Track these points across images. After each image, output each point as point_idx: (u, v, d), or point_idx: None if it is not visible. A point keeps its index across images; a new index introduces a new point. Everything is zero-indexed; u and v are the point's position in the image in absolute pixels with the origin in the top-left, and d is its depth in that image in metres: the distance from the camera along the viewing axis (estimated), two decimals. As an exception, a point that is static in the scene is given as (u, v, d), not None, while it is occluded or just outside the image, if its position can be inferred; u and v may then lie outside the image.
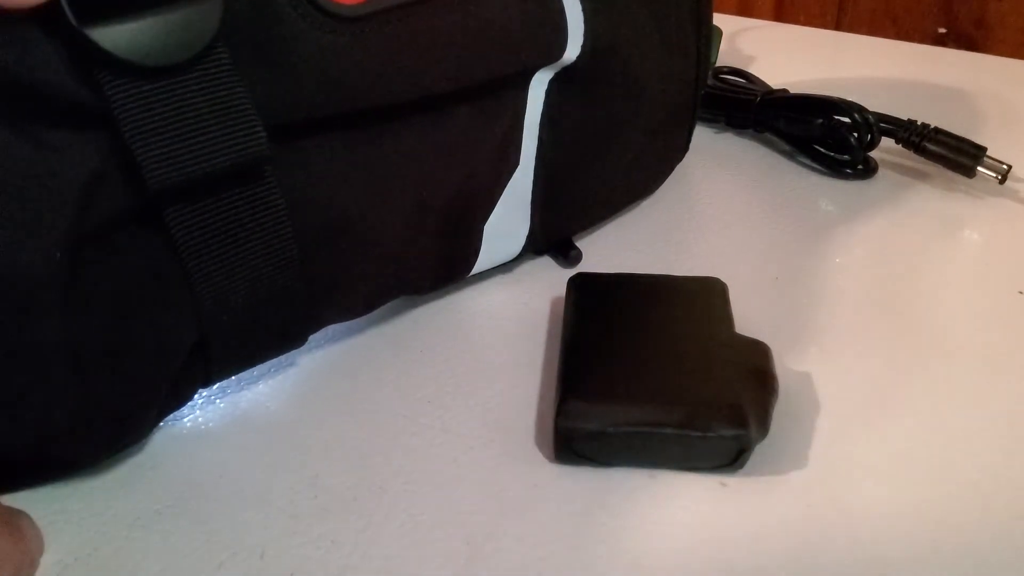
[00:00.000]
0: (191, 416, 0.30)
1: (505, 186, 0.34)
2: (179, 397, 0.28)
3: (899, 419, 0.29)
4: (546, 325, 0.34)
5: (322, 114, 0.26)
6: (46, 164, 0.22)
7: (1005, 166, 0.41)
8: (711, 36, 0.41)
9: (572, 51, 0.32)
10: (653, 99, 0.37)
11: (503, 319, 0.34)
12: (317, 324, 0.30)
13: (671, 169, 0.43)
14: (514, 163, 0.33)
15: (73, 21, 0.21)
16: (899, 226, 0.40)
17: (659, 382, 0.27)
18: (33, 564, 0.24)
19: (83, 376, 0.24)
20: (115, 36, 0.22)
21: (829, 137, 0.44)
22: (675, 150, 0.42)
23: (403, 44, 0.27)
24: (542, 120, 0.33)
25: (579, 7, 0.32)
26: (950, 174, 0.43)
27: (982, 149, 0.42)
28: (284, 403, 0.30)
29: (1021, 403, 0.30)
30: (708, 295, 0.31)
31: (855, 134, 0.43)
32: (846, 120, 0.44)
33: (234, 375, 0.29)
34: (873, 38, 0.66)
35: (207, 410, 0.30)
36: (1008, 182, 0.42)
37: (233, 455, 0.28)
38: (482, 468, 0.27)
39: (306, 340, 0.29)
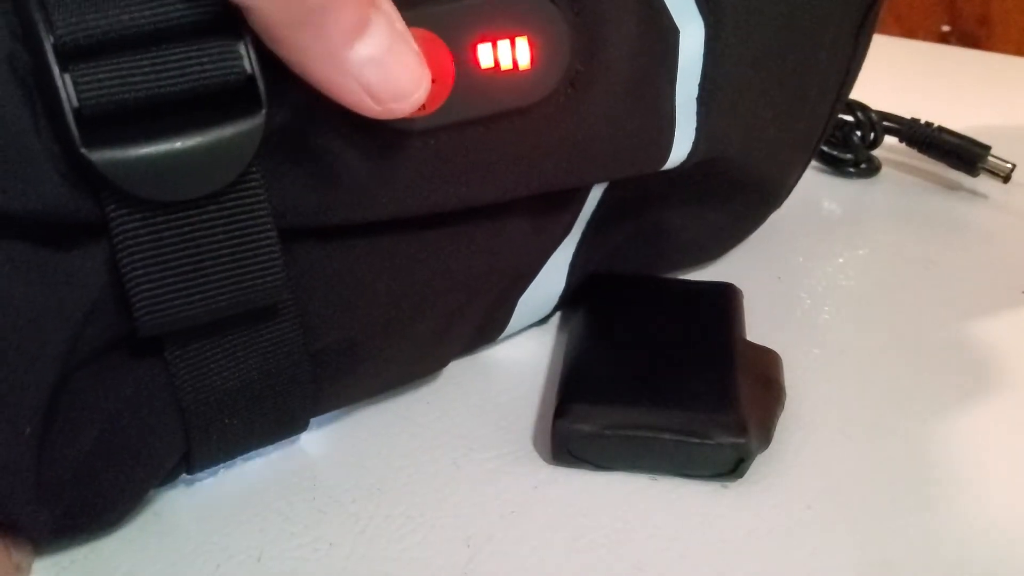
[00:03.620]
0: (189, 417, 0.30)
1: (547, 262, 0.30)
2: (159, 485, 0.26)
3: (899, 420, 0.29)
4: (550, 325, 0.34)
5: (359, 220, 0.23)
6: (43, 306, 0.19)
7: (1009, 165, 0.41)
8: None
9: (669, 164, 0.28)
10: (746, 195, 0.33)
11: (503, 319, 0.34)
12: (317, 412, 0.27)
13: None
14: (560, 240, 0.30)
15: (78, 143, 0.17)
16: (902, 225, 0.40)
17: (662, 387, 0.27)
18: (20, 569, 0.23)
19: (52, 494, 0.22)
20: (125, 166, 0.18)
21: (832, 135, 0.44)
22: (747, 227, 0.36)
23: (469, 159, 0.23)
24: (590, 221, 0.30)
25: (694, 120, 0.27)
26: (954, 173, 0.43)
27: (986, 148, 0.42)
28: (282, 404, 0.30)
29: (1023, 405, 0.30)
30: (722, 300, 0.31)
31: (858, 132, 0.43)
32: (849, 118, 0.43)
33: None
34: (876, 35, 0.66)
35: (205, 411, 0.30)
36: (1012, 181, 0.41)
37: (231, 456, 0.28)
38: (481, 469, 0.27)
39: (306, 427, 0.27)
